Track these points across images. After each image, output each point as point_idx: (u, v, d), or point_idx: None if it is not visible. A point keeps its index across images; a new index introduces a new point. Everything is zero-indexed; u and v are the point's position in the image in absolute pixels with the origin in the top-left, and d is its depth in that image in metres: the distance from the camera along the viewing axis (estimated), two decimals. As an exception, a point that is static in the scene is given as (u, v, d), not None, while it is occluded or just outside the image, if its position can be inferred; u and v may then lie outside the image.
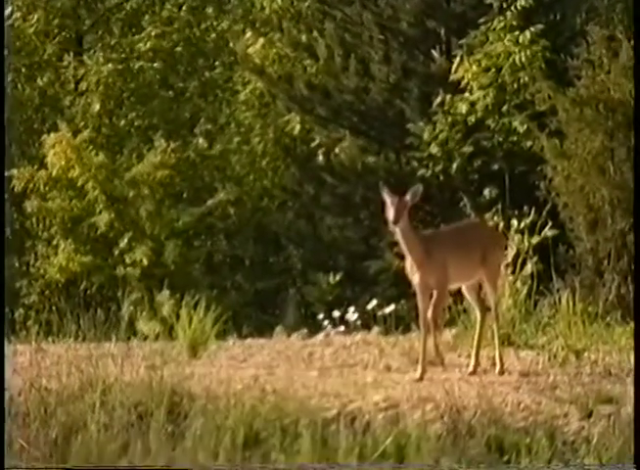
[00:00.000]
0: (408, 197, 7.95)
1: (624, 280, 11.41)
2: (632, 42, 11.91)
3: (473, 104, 13.61)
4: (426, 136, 13.88)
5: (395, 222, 7.89)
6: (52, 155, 15.59)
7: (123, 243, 15.29)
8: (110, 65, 16.90)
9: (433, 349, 8.14)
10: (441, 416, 7.00)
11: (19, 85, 17.83)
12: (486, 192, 12.92)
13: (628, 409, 7.01)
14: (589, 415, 7.11)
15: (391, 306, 10.03)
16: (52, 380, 7.54)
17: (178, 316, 8.92)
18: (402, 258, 8.25)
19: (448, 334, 9.02)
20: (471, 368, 8.27)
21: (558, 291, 9.32)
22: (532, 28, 13.44)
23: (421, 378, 8.01)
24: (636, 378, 7.16)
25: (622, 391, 7.31)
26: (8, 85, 17.43)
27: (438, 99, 13.84)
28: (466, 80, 13.65)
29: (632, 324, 9.43)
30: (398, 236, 8.00)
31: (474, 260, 8.22)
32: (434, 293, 8.05)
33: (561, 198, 11.97)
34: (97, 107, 16.90)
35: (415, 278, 8.05)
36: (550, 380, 7.97)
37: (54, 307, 8.78)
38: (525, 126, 13.04)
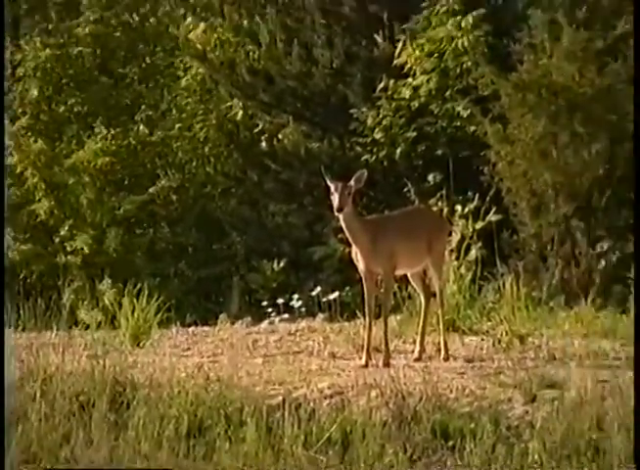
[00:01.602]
0: (352, 182, 7.88)
1: (568, 265, 11.48)
2: (574, 26, 11.96)
3: (416, 89, 13.57)
4: (369, 121, 13.82)
5: (340, 209, 7.81)
6: (-10, 142, 15.36)
7: (64, 231, 15.12)
8: (47, 50, 16.63)
9: (381, 337, 8.10)
10: (386, 403, 6.98)
11: (-46, 71, 17.52)
12: (431, 177, 12.90)
13: (572, 394, 7.03)
14: (533, 400, 7.13)
15: (336, 293, 10.01)
16: (-9, 370, 7.41)
17: (120, 305, 8.83)
18: (347, 244, 8.20)
19: (393, 320, 9.01)
20: (416, 354, 8.26)
21: (502, 276, 9.37)
22: (474, 13, 13.39)
23: (366, 365, 7.99)
24: (636, 375, 7.14)
25: (566, 375, 7.33)
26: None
27: (382, 84, 13.79)
28: (409, 65, 13.60)
29: (579, 310, 9.52)
30: (343, 222, 7.94)
31: (420, 247, 8.18)
32: (380, 279, 8.02)
33: (504, 183, 12.00)
34: (35, 93, 16.64)
35: (360, 264, 8.00)
36: (494, 365, 8.00)
37: (-7, 297, 8.62)
38: (469, 111, 13.02)
